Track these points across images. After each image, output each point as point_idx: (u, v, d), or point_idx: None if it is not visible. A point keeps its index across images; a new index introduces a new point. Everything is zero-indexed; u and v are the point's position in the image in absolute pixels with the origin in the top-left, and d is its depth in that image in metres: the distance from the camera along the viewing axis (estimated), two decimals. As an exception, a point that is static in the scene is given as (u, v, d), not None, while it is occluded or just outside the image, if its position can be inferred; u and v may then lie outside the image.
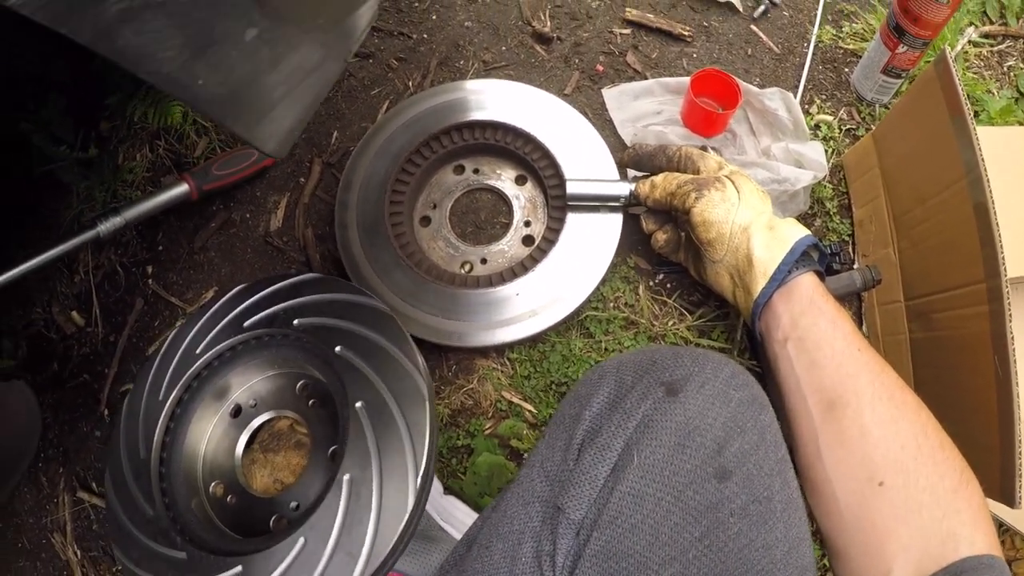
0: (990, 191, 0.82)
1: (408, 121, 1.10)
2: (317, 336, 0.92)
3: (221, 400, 1.00)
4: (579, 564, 0.66)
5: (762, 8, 1.29)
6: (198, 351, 0.97)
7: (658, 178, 0.99)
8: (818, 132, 1.22)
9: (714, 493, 0.63)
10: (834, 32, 1.31)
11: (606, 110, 1.17)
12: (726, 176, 0.96)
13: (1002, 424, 0.79)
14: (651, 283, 1.09)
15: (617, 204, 1.04)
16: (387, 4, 1.28)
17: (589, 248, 1.04)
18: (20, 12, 0.47)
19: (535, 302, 1.02)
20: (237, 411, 1.01)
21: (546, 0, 1.26)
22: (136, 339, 1.15)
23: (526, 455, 1.01)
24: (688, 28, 1.24)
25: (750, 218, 0.91)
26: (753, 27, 1.28)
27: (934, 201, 0.95)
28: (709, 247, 0.94)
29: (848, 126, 1.24)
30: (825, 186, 1.19)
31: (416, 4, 1.29)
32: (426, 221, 1.10)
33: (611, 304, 1.07)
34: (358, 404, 0.85)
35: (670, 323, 1.07)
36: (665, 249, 1.05)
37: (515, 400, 1.05)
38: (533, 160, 1.08)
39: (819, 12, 1.33)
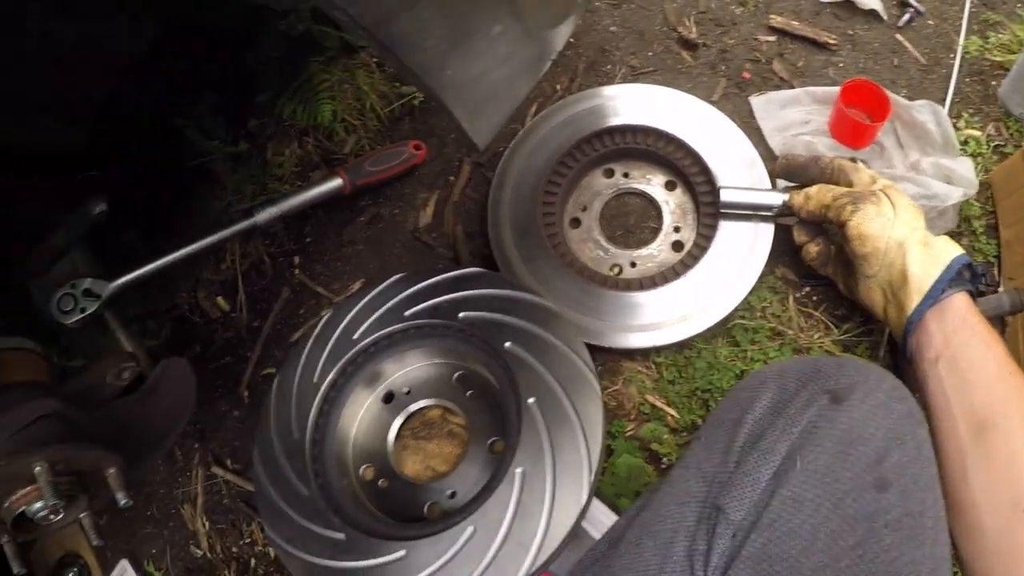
0: None
1: (559, 124, 1.15)
2: (482, 330, 0.97)
3: (373, 385, 1.05)
4: (733, 565, 0.69)
5: (907, 16, 1.30)
6: (355, 337, 1.03)
7: (812, 189, 1.02)
8: (965, 148, 1.23)
9: (871, 503, 0.66)
10: (980, 43, 1.32)
11: (753, 118, 1.20)
12: (880, 190, 0.98)
13: None
14: (798, 294, 1.11)
15: (769, 214, 1.07)
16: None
17: (741, 256, 1.07)
18: None
19: (686, 307, 1.05)
20: (389, 397, 1.06)
21: (690, 6, 1.29)
22: (280, 326, 1.22)
23: (677, 457, 1.04)
24: (833, 36, 1.26)
25: (905, 233, 0.94)
26: (898, 36, 1.29)
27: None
28: (863, 261, 0.96)
29: (996, 142, 1.24)
30: (972, 204, 1.19)
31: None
32: (576, 223, 1.14)
33: (758, 313, 1.10)
34: (530, 400, 0.90)
35: (816, 335, 1.09)
36: (815, 262, 1.07)
37: (658, 404, 1.08)
38: (684, 166, 1.12)
39: (964, 22, 1.34)
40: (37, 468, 0.72)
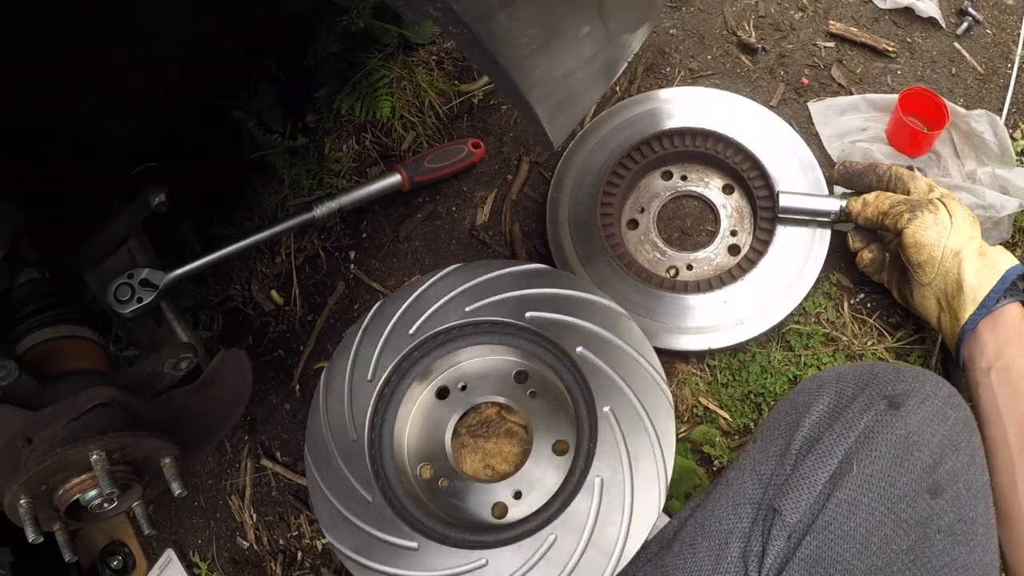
0: None
1: (618, 125, 1.20)
2: (550, 330, 1.00)
3: (426, 379, 1.07)
4: (787, 568, 0.73)
5: (965, 25, 1.34)
6: (411, 331, 1.04)
7: (870, 196, 1.06)
8: (1022, 158, 1.26)
9: (925, 508, 0.70)
10: (1039, 53, 1.35)
11: (811, 124, 1.24)
12: (938, 199, 1.02)
13: None
14: (853, 301, 1.15)
15: (826, 219, 1.11)
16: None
17: (797, 262, 1.11)
18: None
19: (742, 311, 1.10)
20: (443, 392, 1.08)
21: (750, 10, 1.33)
22: (334, 320, 1.28)
23: (728, 460, 1.08)
24: (892, 44, 1.30)
25: (962, 243, 0.97)
26: (956, 45, 1.33)
27: None
28: (919, 269, 1.00)
29: (1053, 153, 1.27)
30: (1027, 215, 1.22)
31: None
32: (633, 224, 1.19)
33: (812, 319, 1.14)
34: (606, 408, 0.94)
35: (869, 342, 1.13)
36: (870, 268, 1.11)
37: (711, 407, 1.12)
38: (742, 170, 1.16)
39: (1022, 31, 1.37)
40: (94, 456, 0.74)
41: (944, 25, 1.34)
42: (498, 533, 0.94)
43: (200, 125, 1.31)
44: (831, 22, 1.33)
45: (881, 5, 1.34)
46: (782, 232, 1.12)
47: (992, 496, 0.77)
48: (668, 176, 1.21)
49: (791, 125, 1.20)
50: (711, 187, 1.20)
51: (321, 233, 1.31)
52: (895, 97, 1.21)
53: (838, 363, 1.12)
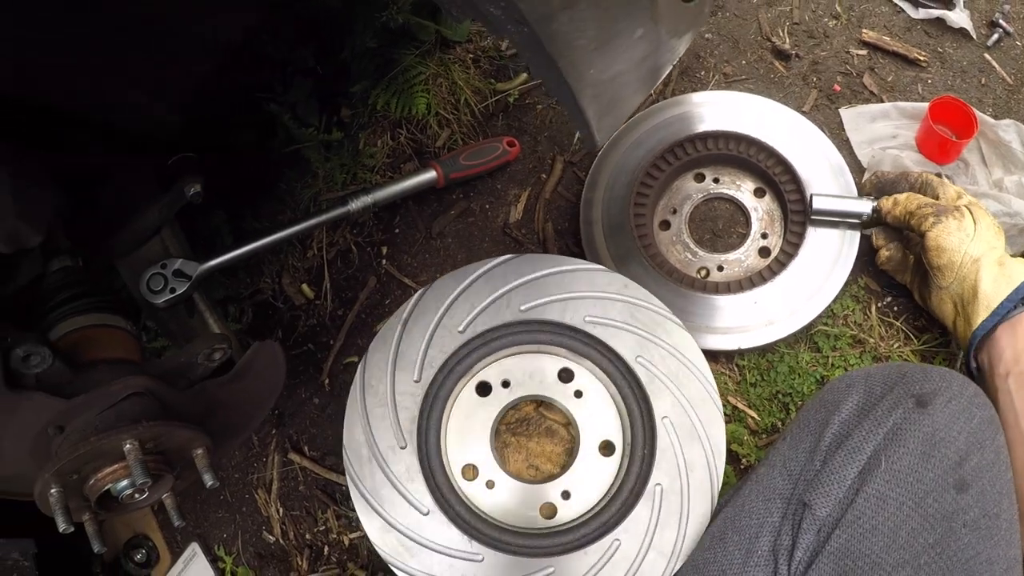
0: None
1: (652, 127, 1.26)
2: (606, 335, 1.05)
3: (466, 375, 1.09)
4: (816, 561, 0.79)
5: (995, 36, 1.40)
6: (461, 328, 1.06)
7: (901, 196, 1.11)
8: (1050, 167, 1.32)
9: (951, 503, 0.76)
10: (1068, 65, 1.41)
11: (843, 130, 1.30)
12: (965, 206, 1.07)
13: None
14: (880, 304, 1.21)
15: (857, 222, 1.17)
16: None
17: (827, 264, 1.17)
18: None
19: (772, 312, 1.15)
20: (484, 388, 1.09)
21: (784, 17, 1.39)
22: (365, 315, 1.33)
23: (756, 459, 1.13)
24: (923, 53, 1.36)
25: (982, 251, 1.03)
26: (986, 56, 1.38)
27: None
28: (938, 272, 1.06)
29: (1081, 163, 1.32)
30: (1055, 223, 1.28)
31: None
32: (665, 225, 1.24)
33: (840, 321, 1.20)
34: (663, 417, 1.00)
35: (895, 345, 1.19)
36: (887, 266, 1.17)
37: (740, 406, 1.18)
38: (774, 174, 1.22)
39: (1052, 43, 1.43)
40: (127, 445, 0.74)
41: (975, 36, 1.40)
42: (557, 538, 0.98)
43: (236, 117, 1.35)
44: (864, 31, 1.39)
45: (914, 15, 1.40)
46: (812, 235, 1.18)
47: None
48: (701, 178, 1.27)
49: (823, 131, 1.26)
50: (743, 190, 1.26)
51: (354, 228, 1.36)
52: (925, 105, 1.27)
53: (865, 364, 1.18)
